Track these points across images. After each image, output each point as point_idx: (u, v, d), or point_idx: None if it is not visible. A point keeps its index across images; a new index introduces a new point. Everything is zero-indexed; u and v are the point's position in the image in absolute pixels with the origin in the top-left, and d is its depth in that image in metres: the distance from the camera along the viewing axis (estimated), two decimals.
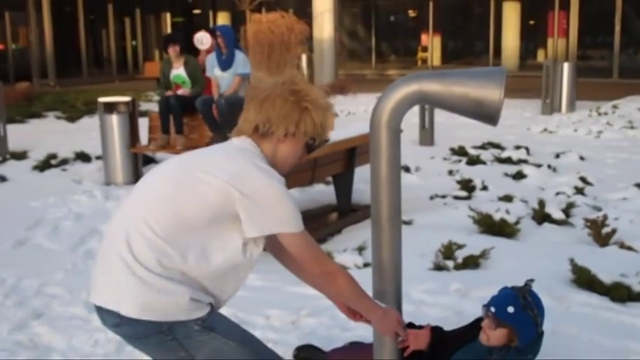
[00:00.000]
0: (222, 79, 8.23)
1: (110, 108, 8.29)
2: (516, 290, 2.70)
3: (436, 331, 2.92)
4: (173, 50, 8.51)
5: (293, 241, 2.31)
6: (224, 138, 8.20)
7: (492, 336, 2.66)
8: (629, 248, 5.37)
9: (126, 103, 8.35)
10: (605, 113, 13.68)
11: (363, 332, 3.87)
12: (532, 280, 2.74)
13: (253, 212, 2.23)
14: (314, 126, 2.40)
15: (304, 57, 18.96)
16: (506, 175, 8.31)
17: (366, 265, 5.00)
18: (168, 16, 31.58)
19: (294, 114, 2.37)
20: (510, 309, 2.64)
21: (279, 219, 2.26)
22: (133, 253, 2.23)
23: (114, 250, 2.27)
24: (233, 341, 2.33)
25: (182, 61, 8.55)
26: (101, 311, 2.31)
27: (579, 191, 7.34)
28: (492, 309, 2.67)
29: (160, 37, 30.45)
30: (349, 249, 5.38)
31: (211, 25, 28.94)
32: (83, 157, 9.37)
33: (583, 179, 7.86)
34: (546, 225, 6.06)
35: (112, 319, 2.28)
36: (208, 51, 8.94)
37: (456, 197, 7.08)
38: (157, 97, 15.77)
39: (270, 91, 2.40)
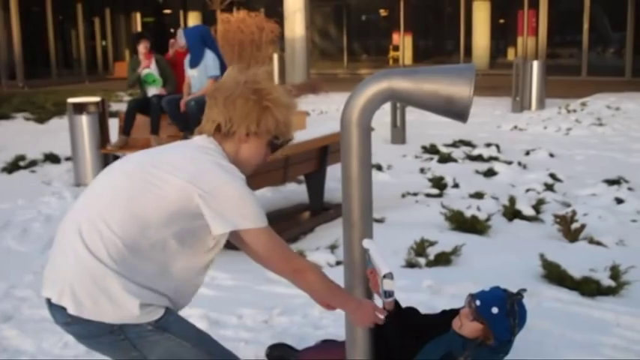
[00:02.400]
0: (193, 78, 8.20)
1: (80, 108, 8.21)
2: (507, 295, 2.70)
3: (409, 311, 2.91)
4: (144, 46, 8.44)
5: (258, 238, 2.30)
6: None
7: (467, 326, 2.67)
8: (598, 243, 5.44)
9: (96, 104, 8.27)
10: (574, 111, 13.83)
11: (335, 330, 3.88)
12: (524, 290, 2.76)
13: (216, 209, 2.21)
14: (276, 124, 2.38)
15: (276, 56, 18.92)
16: (477, 172, 8.36)
17: (338, 263, 5.00)
18: (138, 15, 31.33)
19: (255, 113, 2.35)
20: (494, 309, 2.64)
21: (243, 215, 2.24)
22: (89, 248, 2.19)
23: (69, 246, 2.23)
24: (187, 342, 2.30)
25: (152, 59, 8.49)
26: (52, 308, 2.27)
27: (549, 188, 7.41)
28: (477, 302, 2.67)
29: (131, 37, 30.22)
30: (321, 247, 5.39)
31: (182, 25, 28.77)
32: (52, 158, 9.26)
33: (553, 176, 7.94)
34: (517, 221, 6.12)
35: (62, 317, 2.24)
36: (181, 52, 8.90)
37: (428, 195, 7.11)
38: (127, 98, 15.64)
39: (231, 90, 2.37)
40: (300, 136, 6.38)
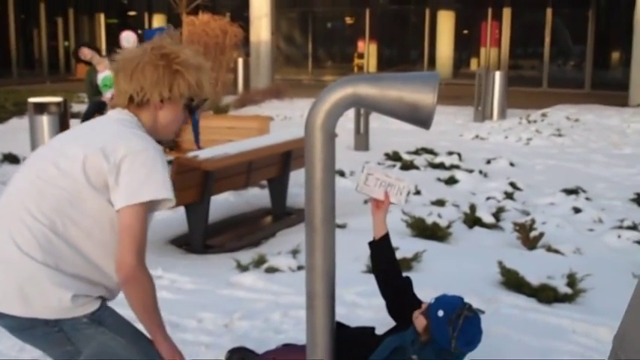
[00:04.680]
0: None
1: (40, 109, 8.08)
2: (461, 306, 2.72)
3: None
4: (82, 54, 8.43)
5: (138, 211, 2.16)
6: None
7: (417, 318, 2.73)
8: (556, 251, 5.52)
9: (57, 104, 8.15)
10: (535, 121, 14.02)
11: (296, 335, 3.88)
12: (482, 312, 2.80)
13: (124, 180, 2.16)
14: (189, 87, 2.36)
15: (240, 61, 18.88)
16: (439, 180, 8.43)
17: (299, 267, 5.01)
18: (102, 16, 31.01)
19: (166, 78, 2.32)
20: (440, 312, 2.67)
21: (155, 184, 2.19)
22: (15, 240, 2.15)
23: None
24: (122, 337, 2.26)
25: (105, 63, 8.44)
26: None
27: (509, 196, 7.51)
28: (432, 300, 2.74)
29: (94, 38, 29.88)
30: (283, 252, 5.38)
31: (146, 26, 28.54)
32: (11, 158, 9.12)
33: (513, 184, 8.04)
34: (477, 229, 6.18)
35: None
36: None
37: (390, 202, 7.13)
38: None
39: (138, 59, 2.33)
40: (263, 141, 6.39)
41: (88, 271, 2.22)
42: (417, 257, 5.06)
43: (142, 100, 2.33)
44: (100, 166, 2.16)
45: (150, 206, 2.20)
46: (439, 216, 6.15)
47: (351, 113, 11.08)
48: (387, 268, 2.98)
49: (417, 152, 10.19)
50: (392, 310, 2.97)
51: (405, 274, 3.04)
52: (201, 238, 5.71)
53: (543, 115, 14.84)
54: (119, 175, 2.15)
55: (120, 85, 2.35)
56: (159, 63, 2.31)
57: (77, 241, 2.19)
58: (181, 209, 5.81)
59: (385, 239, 2.97)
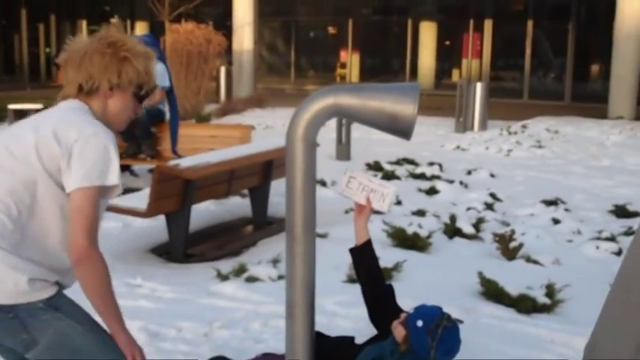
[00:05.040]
0: None
1: (20, 115, 8.04)
2: (440, 316, 2.74)
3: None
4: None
5: (90, 193, 2.16)
6: (138, 148, 8.16)
7: (396, 328, 2.75)
8: (535, 262, 5.55)
9: (37, 111, 8.12)
10: (515, 132, 14.11)
11: (275, 344, 3.87)
12: (461, 322, 2.81)
13: (76, 164, 2.18)
14: (137, 74, 2.39)
15: (223, 69, 18.88)
16: (420, 190, 8.46)
17: (280, 277, 5.01)
18: (84, 23, 30.87)
19: (114, 65, 2.35)
20: (419, 322, 2.69)
21: (106, 169, 2.20)
22: None
23: None
24: (80, 325, 2.24)
25: None
26: None
27: (489, 207, 7.55)
28: (411, 310, 2.75)
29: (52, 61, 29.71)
30: (264, 261, 5.38)
31: (129, 34, 28.42)
32: None
33: (493, 195, 8.09)
34: (457, 239, 6.21)
35: None
36: None
37: (372, 208, 7.15)
38: None
39: (86, 49, 2.36)
40: (245, 150, 6.39)
41: (42, 255, 2.22)
42: (397, 267, 5.08)
43: (91, 88, 2.35)
44: (52, 151, 2.19)
45: (101, 191, 2.21)
46: (420, 226, 6.17)
47: (332, 123, 11.10)
48: (369, 276, 2.99)
49: (398, 162, 10.22)
50: (373, 316, 2.98)
51: (387, 283, 3.06)
52: (182, 247, 5.69)
53: (524, 126, 14.95)
54: (71, 159, 2.17)
55: (69, 74, 2.38)
56: (106, 51, 2.35)
57: (32, 225, 2.20)
58: (162, 218, 5.79)
59: (366, 246, 2.98)
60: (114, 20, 2.49)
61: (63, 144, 2.18)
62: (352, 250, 3.02)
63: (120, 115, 2.42)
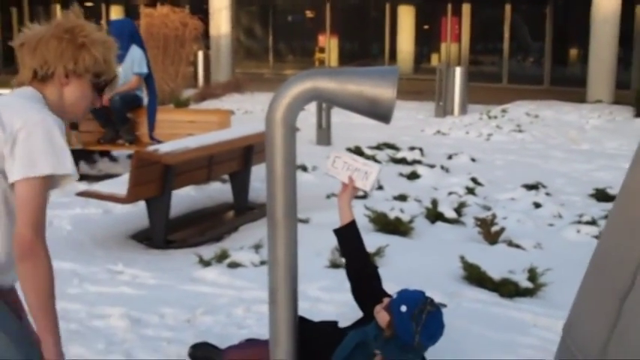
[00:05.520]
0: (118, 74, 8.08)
1: None
2: (423, 300, 2.74)
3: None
4: None
5: (35, 184, 2.07)
6: (115, 134, 8.10)
7: (379, 313, 2.75)
8: (517, 246, 5.59)
9: None
10: (495, 117, 14.17)
11: (259, 330, 3.87)
12: (444, 305, 2.82)
13: (20, 152, 2.09)
14: (95, 61, 2.31)
15: (200, 54, 18.76)
16: (401, 175, 8.48)
17: (262, 262, 5.01)
18: (58, 7, 30.52)
19: (70, 51, 2.27)
20: (403, 307, 2.69)
21: (53, 157, 2.10)
22: None
23: None
24: (5, 334, 2.11)
25: None
26: None
27: (470, 191, 7.58)
28: (394, 295, 2.75)
29: None
30: (245, 247, 5.37)
31: (104, 18, 28.19)
32: None
33: (474, 180, 8.12)
34: (439, 224, 6.24)
35: None
36: None
37: (355, 186, 7.15)
38: None
39: (42, 33, 2.28)
40: (224, 135, 6.37)
41: None
42: (379, 252, 5.09)
43: (45, 74, 2.26)
44: None
45: (49, 181, 2.12)
46: (401, 211, 6.18)
47: (313, 107, 11.08)
48: (354, 256, 2.99)
49: (379, 147, 10.23)
50: (357, 296, 2.99)
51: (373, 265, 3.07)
52: (163, 233, 5.67)
53: (503, 110, 15.01)
54: (15, 146, 2.07)
55: (24, 59, 2.29)
56: (63, 36, 2.27)
57: None
58: (142, 204, 5.76)
59: (351, 226, 2.97)
60: (74, 7, 2.41)
61: (7, 130, 2.08)
62: (336, 231, 3.02)
63: (77, 104, 2.32)
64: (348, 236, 2.99)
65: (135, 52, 8.06)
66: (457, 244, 5.65)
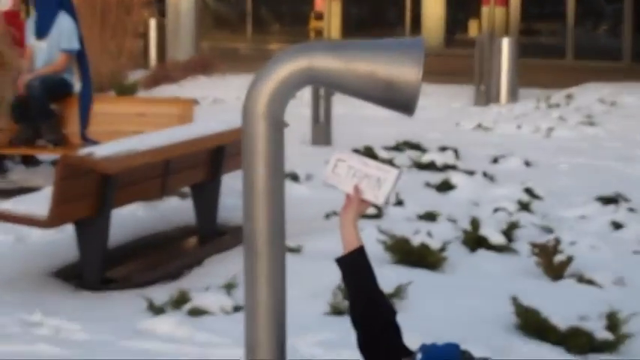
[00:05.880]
0: (39, 51, 8.07)
1: None
2: (457, 358, 2.71)
3: None
4: None
5: None
6: (34, 132, 8.06)
7: None
8: (590, 282, 5.55)
9: None
10: (557, 105, 14.18)
11: None
12: (488, 359, 2.76)
13: None
14: None
15: (153, 23, 18.80)
16: (428, 185, 8.46)
17: (236, 309, 4.98)
18: None
19: None
20: None
21: None
22: None
23: None
24: None
25: None
26: None
27: (524, 207, 7.55)
28: (419, 356, 2.70)
29: None
30: (213, 287, 5.34)
31: None
32: None
33: (529, 191, 8.09)
34: (481, 252, 6.21)
35: None
36: (9, 14, 8.82)
37: (362, 216, 7.13)
38: None
39: None
40: (185, 133, 6.35)
41: None
42: (399, 292, 5.05)
43: None
44: None
45: None
46: (429, 235, 6.14)
47: (306, 95, 11.07)
48: (362, 297, 2.94)
49: (397, 148, 10.22)
50: (365, 350, 2.94)
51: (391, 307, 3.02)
52: (99, 269, 5.64)
53: (568, 96, 15.02)
54: None
55: None
56: None
57: None
58: (70, 229, 5.73)
59: (357, 255, 2.93)
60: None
61: None
62: (339, 261, 2.98)
63: None
64: (353, 269, 2.95)
65: (63, 21, 8.05)
66: (507, 279, 5.61)
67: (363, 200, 2.78)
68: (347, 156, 2.80)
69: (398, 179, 2.70)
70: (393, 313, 3.01)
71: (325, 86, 2.47)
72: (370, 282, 2.94)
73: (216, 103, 14.24)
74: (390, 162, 9.26)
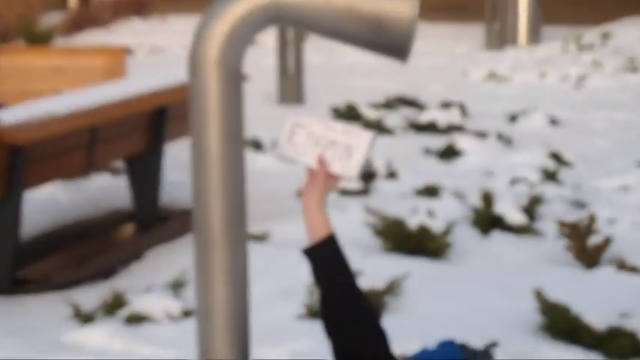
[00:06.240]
0: None
1: None
2: (465, 353, 2.74)
3: None
4: None
5: None
6: None
7: None
8: (633, 269, 5.58)
9: None
10: (591, 46, 14.20)
11: None
12: (494, 345, 2.79)
13: None
14: None
15: None
16: (428, 152, 8.49)
17: (186, 313, 5.00)
18: None
19: None
20: None
21: None
22: None
23: None
24: None
25: None
26: None
27: (550, 177, 7.59)
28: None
29: None
30: (156, 287, 5.35)
31: None
32: None
33: (556, 157, 8.13)
34: (496, 235, 6.24)
35: None
36: None
37: (344, 192, 7.15)
38: None
39: None
40: (115, 92, 6.32)
41: None
42: (392, 288, 5.07)
43: None
44: None
45: None
46: (430, 214, 6.17)
47: (270, 39, 11.06)
48: (334, 297, 2.97)
49: (388, 105, 10.22)
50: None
51: (370, 309, 3.05)
52: (9, 267, 5.63)
53: (604, 35, 15.05)
54: None
55: None
56: None
57: None
58: None
59: (327, 246, 2.95)
60: None
61: None
62: (307, 253, 2.99)
63: None
64: (323, 262, 2.97)
65: None
66: (529, 269, 5.66)
67: (330, 174, 2.77)
68: (306, 120, 2.78)
69: (371, 144, 2.69)
70: (374, 316, 3.04)
71: (295, 26, 2.48)
72: (344, 278, 2.96)
73: (155, 52, 14.18)
74: (378, 123, 9.28)
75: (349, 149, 2.71)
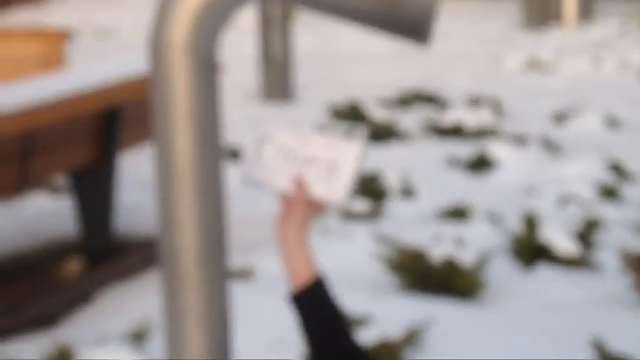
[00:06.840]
0: None
1: None
2: None
3: None
4: None
5: None
6: None
7: None
8: None
9: None
10: None
11: None
12: None
13: None
14: None
15: None
16: (454, 163, 8.52)
17: None
18: None
19: None
20: None
21: None
22: None
23: None
24: None
25: None
26: None
27: (609, 194, 7.61)
28: None
29: None
30: (112, 336, 5.36)
31: None
32: None
33: (616, 168, 8.15)
34: (542, 268, 6.25)
35: None
36: None
37: (348, 214, 7.16)
38: None
39: None
40: (53, 88, 6.32)
41: None
42: (412, 337, 5.09)
43: None
44: None
45: None
46: (458, 243, 6.18)
47: (250, 17, 11.12)
48: (324, 353, 2.98)
49: (403, 102, 10.25)
50: None
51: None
52: None
53: None
54: None
55: None
56: None
57: None
58: None
59: (313, 291, 2.95)
60: None
61: None
62: (295, 299, 3.00)
63: None
64: (308, 312, 2.97)
65: None
66: (584, 311, 5.68)
67: (311, 200, 2.71)
68: (276, 131, 2.72)
69: (361, 159, 2.63)
70: None
71: (283, 1, 2.47)
72: (334, 331, 2.97)
73: (103, 35, 14.24)
74: (389, 127, 9.29)
75: (333, 166, 2.60)
